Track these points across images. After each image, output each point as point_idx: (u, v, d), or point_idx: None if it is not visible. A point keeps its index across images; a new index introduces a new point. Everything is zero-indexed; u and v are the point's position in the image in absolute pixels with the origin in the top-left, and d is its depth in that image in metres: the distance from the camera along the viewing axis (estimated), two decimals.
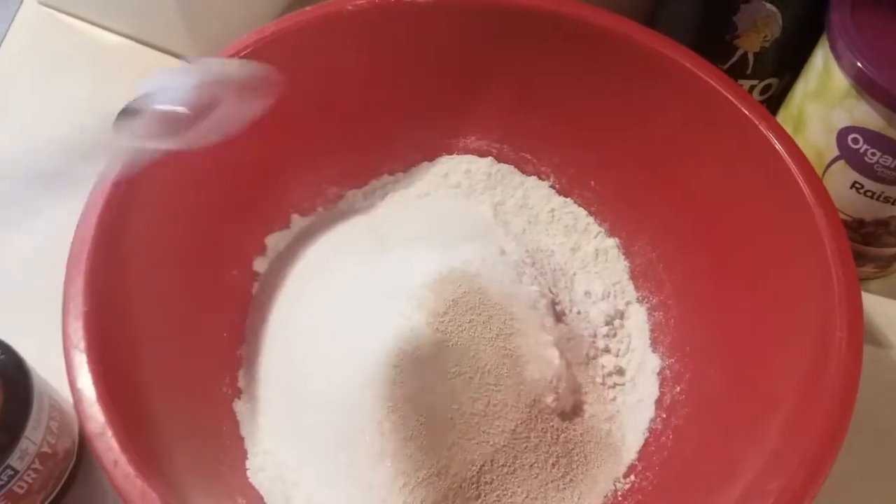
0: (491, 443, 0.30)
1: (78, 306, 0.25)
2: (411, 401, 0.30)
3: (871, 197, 0.35)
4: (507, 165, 0.40)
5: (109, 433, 0.23)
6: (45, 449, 0.28)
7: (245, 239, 0.35)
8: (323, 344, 0.32)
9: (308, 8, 0.33)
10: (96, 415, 0.23)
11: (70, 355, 0.24)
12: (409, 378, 0.30)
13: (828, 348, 0.26)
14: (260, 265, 0.35)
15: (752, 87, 0.40)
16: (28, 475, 0.27)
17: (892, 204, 0.35)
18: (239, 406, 0.32)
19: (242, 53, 0.32)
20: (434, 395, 0.30)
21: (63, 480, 0.30)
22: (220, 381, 0.32)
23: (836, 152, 0.35)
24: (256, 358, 0.33)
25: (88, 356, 0.24)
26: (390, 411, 0.30)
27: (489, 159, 0.40)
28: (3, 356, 0.28)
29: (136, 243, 0.29)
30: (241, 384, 0.32)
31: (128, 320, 0.28)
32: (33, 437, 0.27)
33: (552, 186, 0.39)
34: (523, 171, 0.40)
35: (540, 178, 0.40)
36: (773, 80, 0.40)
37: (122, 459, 0.22)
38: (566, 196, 0.39)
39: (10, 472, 0.27)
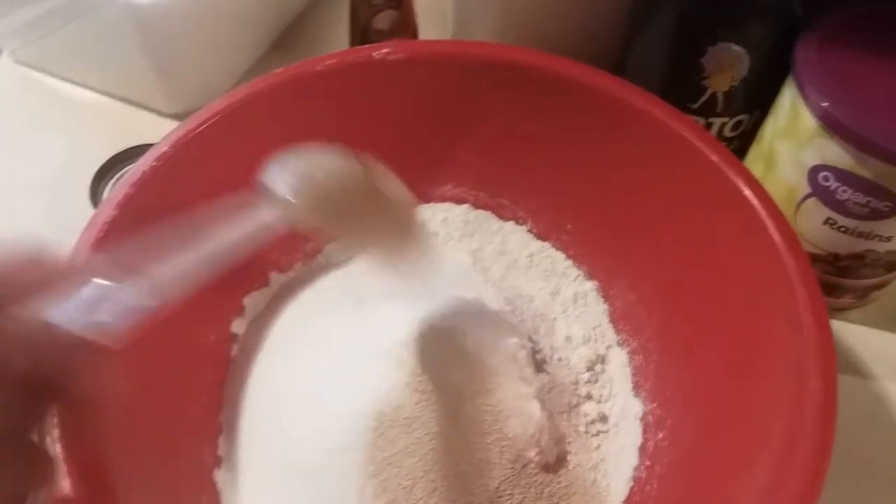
0: (475, 503, 0.30)
1: None
2: (392, 464, 0.30)
3: (845, 232, 0.35)
4: (484, 211, 0.40)
5: None
6: None
7: (222, 301, 0.35)
8: (302, 407, 0.32)
9: (279, 70, 0.34)
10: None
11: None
12: (390, 441, 0.30)
13: (804, 393, 0.26)
14: (238, 327, 0.35)
15: (723, 125, 0.40)
16: None
17: (866, 238, 0.35)
18: (220, 476, 0.32)
19: (213, 119, 0.32)
20: (416, 456, 0.30)
21: None
22: (200, 450, 0.32)
23: (807, 189, 0.35)
24: (236, 423, 0.33)
25: (62, 441, 0.24)
26: (372, 476, 0.30)
27: (466, 206, 0.40)
28: None
29: None
30: (221, 452, 0.32)
31: (100, 395, 0.27)
32: None
33: (530, 231, 0.40)
34: (500, 217, 0.40)
35: (517, 223, 0.40)
36: (743, 117, 0.40)
37: None
38: (544, 240, 0.39)
39: None
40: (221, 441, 0.32)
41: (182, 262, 0.22)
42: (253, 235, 0.24)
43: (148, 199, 0.30)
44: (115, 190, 0.29)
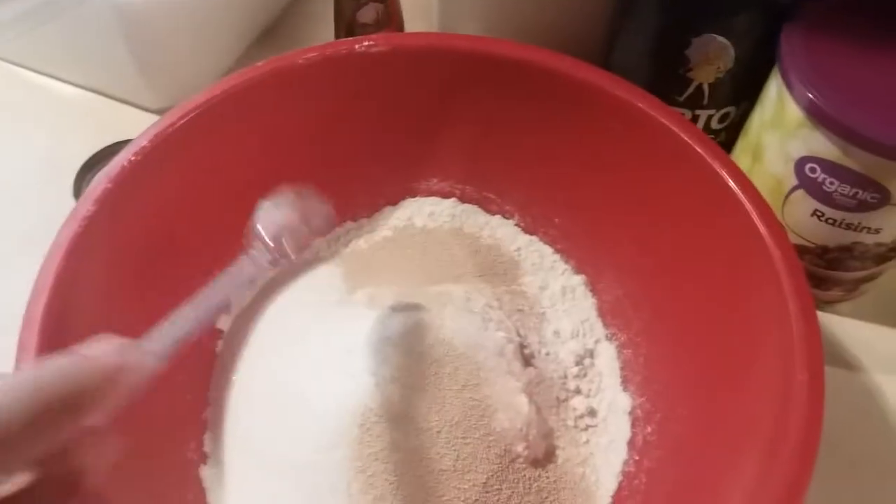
0: (462, 498, 0.30)
1: None
2: (379, 460, 0.29)
3: (833, 224, 0.35)
4: (471, 206, 0.40)
5: None
6: None
7: None
8: (288, 403, 0.32)
9: (259, 63, 0.33)
10: None
11: None
12: (376, 436, 0.30)
13: (791, 387, 0.26)
14: (223, 322, 0.35)
15: (709, 117, 0.40)
16: None
17: (854, 230, 0.35)
18: (205, 472, 0.31)
19: (193, 113, 0.31)
20: (402, 452, 0.30)
21: None
22: (185, 446, 0.31)
23: (794, 181, 0.35)
24: (222, 420, 0.32)
25: None
26: (358, 472, 0.29)
27: (452, 200, 0.40)
28: None
29: (88, 311, 0.28)
30: (206, 448, 0.32)
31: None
32: None
33: (517, 225, 0.39)
34: (488, 211, 0.40)
35: (504, 217, 0.39)
36: (730, 109, 0.40)
37: None
38: (532, 234, 0.39)
39: None
40: (207, 438, 0.32)
41: (182, 321, 0.24)
42: (248, 283, 0.29)
43: (127, 194, 0.30)
44: (93, 185, 0.29)
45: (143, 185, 0.30)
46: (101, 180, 0.29)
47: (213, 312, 0.25)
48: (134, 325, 0.30)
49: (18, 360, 0.25)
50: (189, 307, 0.25)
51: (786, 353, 0.26)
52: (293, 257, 0.28)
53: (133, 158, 0.30)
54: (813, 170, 0.34)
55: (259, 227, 0.28)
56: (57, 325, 0.26)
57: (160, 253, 0.31)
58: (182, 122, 0.31)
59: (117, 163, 0.29)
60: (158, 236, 0.31)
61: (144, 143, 0.30)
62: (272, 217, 0.28)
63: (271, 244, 0.27)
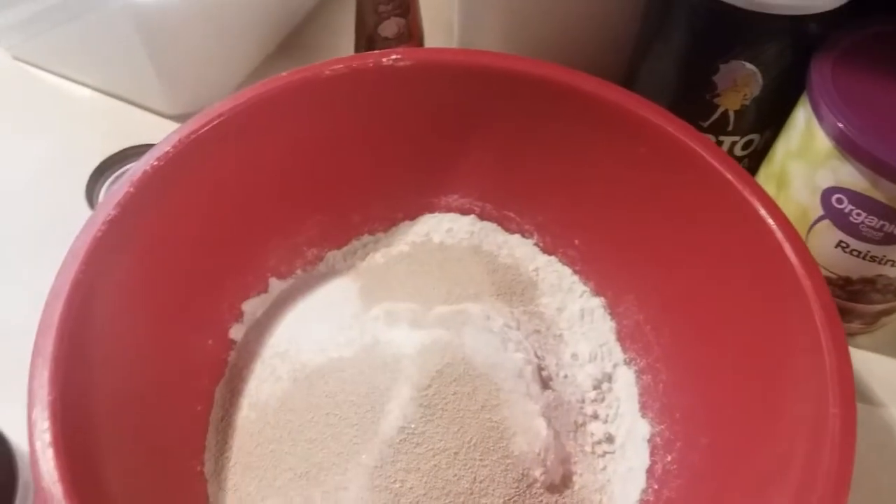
0: None
1: (43, 396, 0.24)
2: (396, 480, 0.29)
3: (857, 256, 0.35)
4: (490, 223, 0.39)
5: None
6: None
7: (221, 306, 0.34)
8: (300, 417, 0.31)
9: (285, 73, 0.33)
10: None
11: (35, 449, 0.23)
12: (393, 455, 0.29)
13: (823, 421, 0.26)
14: (236, 333, 0.34)
15: (733, 144, 0.40)
16: None
17: (879, 263, 0.35)
18: (212, 485, 0.30)
19: (218, 120, 0.31)
20: (419, 472, 0.29)
21: None
22: (194, 459, 0.30)
23: (820, 212, 0.35)
24: (230, 432, 0.32)
25: (55, 450, 0.23)
26: (373, 490, 0.29)
27: (471, 217, 0.39)
28: None
29: (106, 316, 0.28)
30: (213, 460, 0.31)
31: (97, 401, 0.26)
32: None
33: (536, 244, 0.39)
34: (507, 229, 0.39)
35: (524, 237, 0.39)
36: (754, 136, 0.40)
37: None
38: (551, 254, 0.39)
39: None
40: (214, 450, 0.31)
41: None
42: None
43: (148, 199, 0.29)
44: (115, 188, 0.28)
45: (165, 191, 0.30)
46: (123, 184, 0.28)
47: None
48: (152, 330, 0.30)
49: (34, 365, 0.24)
50: None
51: (818, 385, 0.26)
52: None
53: (156, 163, 0.29)
54: (840, 200, 0.34)
55: None
56: (74, 330, 0.25)
57: (180, 258, 0.31)
58: (206, 128, 0.31)
59: (140, 167, 0.29)
60: (179, 242, 0.31)
61: (168, 148, 0.30)
62: None
63: None
